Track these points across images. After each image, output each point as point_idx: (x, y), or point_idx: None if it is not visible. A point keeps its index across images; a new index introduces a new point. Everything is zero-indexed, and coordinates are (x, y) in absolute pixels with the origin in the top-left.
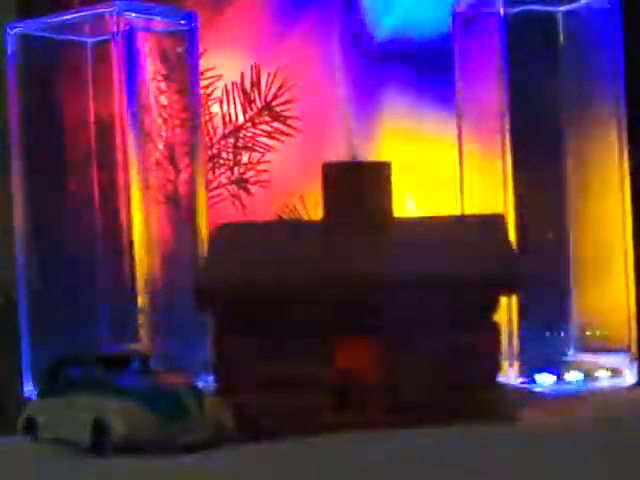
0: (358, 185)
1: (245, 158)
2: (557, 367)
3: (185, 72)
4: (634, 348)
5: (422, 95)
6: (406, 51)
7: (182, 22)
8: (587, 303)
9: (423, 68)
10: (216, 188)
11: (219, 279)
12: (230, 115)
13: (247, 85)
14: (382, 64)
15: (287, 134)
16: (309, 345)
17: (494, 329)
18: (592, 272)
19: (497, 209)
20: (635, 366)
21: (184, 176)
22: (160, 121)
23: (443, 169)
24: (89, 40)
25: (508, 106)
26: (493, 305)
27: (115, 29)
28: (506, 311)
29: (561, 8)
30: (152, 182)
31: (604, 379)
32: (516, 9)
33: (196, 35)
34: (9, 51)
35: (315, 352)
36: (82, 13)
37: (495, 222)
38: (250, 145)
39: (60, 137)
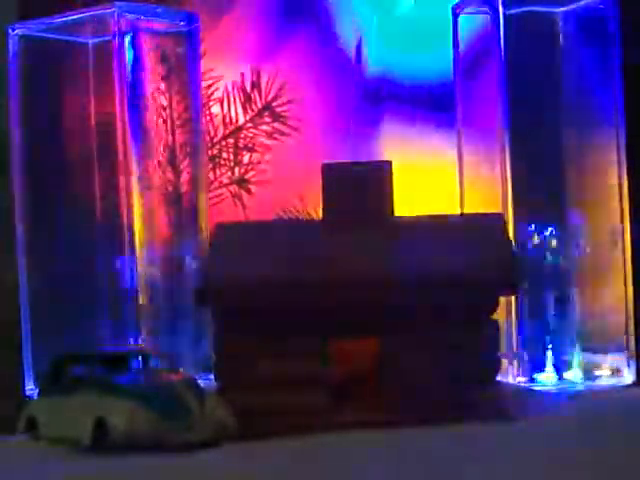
0: (358, 185)
1: (246, 158)
2: (557, 367)
3: (186, 73)
4: (633, 348)
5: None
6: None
7: (183, 23)
8: (587, 303)
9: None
10: (217, 188)
11: (219, 279)
12: (231, 116)
13: (247, 86)
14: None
15: (287, 134)
16: (309, 345)
17: (494, 328)
18: (592, 272)
19: (497, 209)
20: (634, 366)
21: (185, 176)
22: (161, 122)
23: (442, 169)
24: (90, 41)
25: (507, 106)
26: (493, 305)
27: (116, 30)
28: (506, 311)
29: (561, 8)
30: (153, 182)
31: (604, 379)
32: (516, 9)
33: (197, 36)
34: (10, 52)
35: (315, 352)
36: (83, 14)
37: (495, 222)
38: (251, 145)
39: (60, 137)
